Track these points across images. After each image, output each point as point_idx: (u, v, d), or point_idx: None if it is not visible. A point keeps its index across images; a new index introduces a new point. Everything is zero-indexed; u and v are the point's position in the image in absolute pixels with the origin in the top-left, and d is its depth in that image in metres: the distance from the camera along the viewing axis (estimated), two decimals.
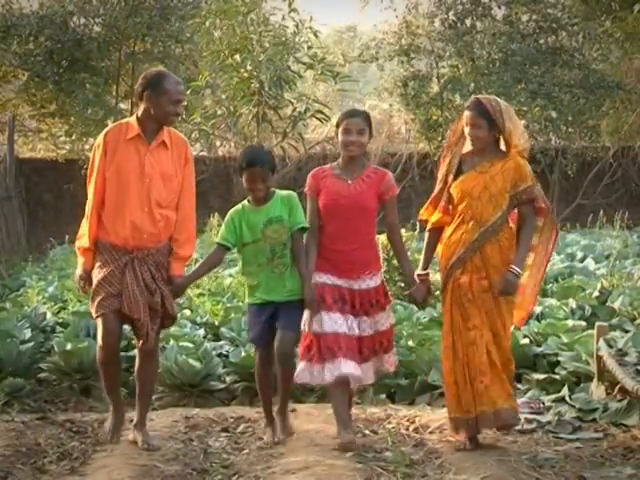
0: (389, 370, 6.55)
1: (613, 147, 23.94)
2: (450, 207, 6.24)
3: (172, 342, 8.58)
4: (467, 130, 6.14)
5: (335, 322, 6.10)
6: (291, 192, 6.36)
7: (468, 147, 6.23)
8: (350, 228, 6.19)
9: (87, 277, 6.17)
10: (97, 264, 6.15)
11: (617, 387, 7.01)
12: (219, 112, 16.48)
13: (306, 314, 6.19)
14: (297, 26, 16.07)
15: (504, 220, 6.13)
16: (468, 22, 23.27)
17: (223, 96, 16.40)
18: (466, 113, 6.16)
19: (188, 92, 17.03)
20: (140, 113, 6.13)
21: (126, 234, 6.06)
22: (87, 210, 6.17)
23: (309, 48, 16.17)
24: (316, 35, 16.53)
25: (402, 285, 10.04)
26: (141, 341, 6.18)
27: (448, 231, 6.23)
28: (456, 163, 6.23)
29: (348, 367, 6.04)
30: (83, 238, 6.17)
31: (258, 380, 6.40)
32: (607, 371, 7.11)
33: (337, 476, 5.56)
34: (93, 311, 6.14)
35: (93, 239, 6.14)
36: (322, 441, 6.29)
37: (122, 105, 22.64)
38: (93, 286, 6.13)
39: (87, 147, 22.02)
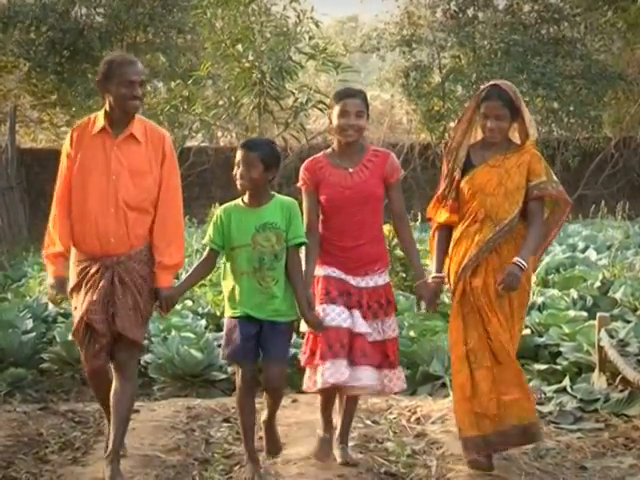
0: (392, 392, 5.79)
1: (615, 138, 23.91)
2: (457, 205, 5.65)
3: (174, 333, 8.60)
4: (489, 123, 5.50)
5: (339, 315, 5.45)
6: (292, 200, 5.54)
7: (475, 138, 5.68)
8: (356, 221, 5.54)
9: (60, 285, 5.47)
10: (72, 274, 5.50)
11: (618, 377, 7.02)
12: (220, 102, 16.47)
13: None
14: (298, 16, 16.06)
15: (519, 218, 5.55)
16: (470, 12, 23.26)
17: (224, 86, 16.40)
18: (488, 103, 5.50)
19: (190, 82, 17.00)
20: (106, 105, 5.50)
21: (92, 239, 5.37)
22: (53, 216, 5.50)
23: (310, 38, 16.16)
24: (317, 25, 16.51)
25: (404, 276, 10.02)
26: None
27: (457, 231, 5.64)
28: (464, 157, 5.64)
29: (349, 373, 5.43)
30: (52, 246, 5.49)
31: (240, 406, 5.49)
32: (608, 361, 7.11)
33: (338, 466, 5.58)
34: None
35: (66, 244, 5.45)
36: None
37: None
38: (71, 298, 5.50)
39: None
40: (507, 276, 5.37)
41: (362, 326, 5.50)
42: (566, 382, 7.30)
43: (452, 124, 22.93)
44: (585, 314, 8.97)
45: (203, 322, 9.27)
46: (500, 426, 5.42)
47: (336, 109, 5.54)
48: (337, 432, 5.72)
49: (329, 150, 5.69)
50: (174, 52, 21.57)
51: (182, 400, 7.46)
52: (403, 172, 5.75)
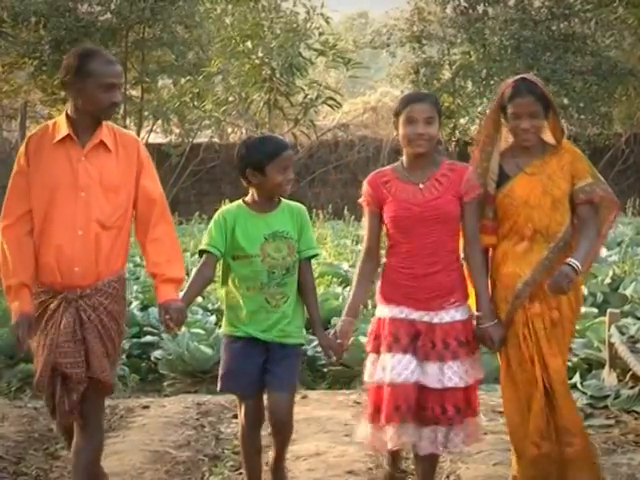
0: (466, 447, 4.99)
1: (625, 134, 23.89)
2: (496, 225, 4.86)
3: (184, 329, 8.60)
4: (523, 123, 4.72)
5: (406, 368, 4.60)
6: (301, 206, 4.91)
7: (503, 145, 4.91)
8: (428, 245, 4.68)
9: (27, 323, 4.39)
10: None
11: (629, 374, 7.00)
12: (230, 99, 16.51)
13: (368, 362, 4.77)
14: (308, 13, 16.09)
15: (571, 227, 4.83)
16: (480, 8, 23.23)
17: (234, 82, 16.43)
18: (518, 101, 4.72)
19: (200, 78, 17.07)
20: (69, 108, 4.53)
21: (51, 268, 4.40)
22: (2, 247, 4.47)
23: (320, 35, 16.18)
24: (327, 22, 16.53)
25: None
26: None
27: (498, 252, 4.85)
28: (496, 168, 4.84)
29: (418, 435, 4.67)
30: (11, 277, 4.43)
31: (243, 446, 4.85)
32: (619, 358, 7.09)
33: (348, 463, 5.57)
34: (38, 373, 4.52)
35: (29, 273, 4.44)
36: (333, 427, 6.29)
37: (133, 92, 22.66)
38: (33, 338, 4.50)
39: None
40: (558, 276, 4.60)
41: (436, 380, 4.62)
42: (576, 378, 7.28)
43: (462, 120, 22.94)
44: (595, 310, 8.97)
45: (213, 318, 9.27)
46: None
47: (402, 116, 4.71)
48: None
49: (397, 163, 4.88)
50: (181, 47, 21.56)
51: (192, 396, 7.47)
52: (481, 190, 4.79)
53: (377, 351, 4.70)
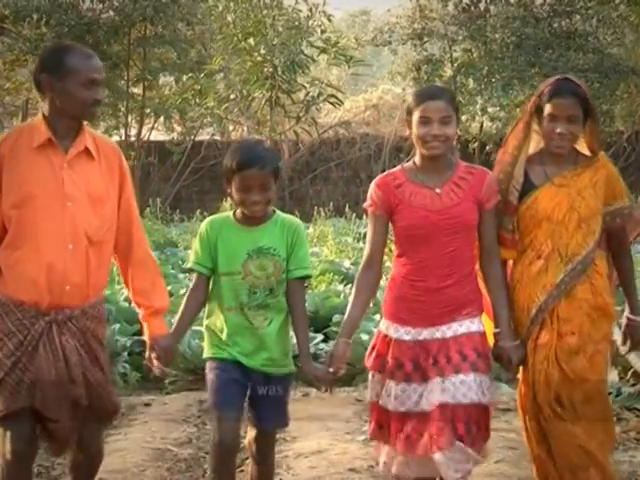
0: (477, 463, 4.30)
1: (627, 131, 23.90)
2: (517, 237, 4.37)
3: None
4: (558, 126, 4.22)
5: (409, 397, 4.19)
6: (297, 221, 4.39)
7: (530, 150, 4.42)
8: (445, 255, 4.21)
9: None
10: None
11: (630, 371, 7.01)
12: (232, 96, 16.51)
13: (372, 380, 4.35)
14: (310, 10, 16.07)
15: (595, 252, 4.33)
16: (482, 5, 23.19)
17: (236, 80, 16.42)
18: (558, 101, 4.22)
19: (201, 76, 17.06)
20: (46, 109, 4.10)
21: (40, 285, 3.98)
22: None
23: (322, 32, 16.17)
24: (329, 19, 16.52)
25: None
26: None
27: (516, 271, 4.38)
28: (521, 175, 4.33)
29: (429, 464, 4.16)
30: None
31: (214, 470, 4.28)
32: (620, 355, 7.09)
33: (350, 460, 5.58)
34: None
35: None
36: (334, 425, 6.31)
37: (134, 89, 22.66)
38: None
39: (98, 131, 22.11)
40: (635, 332, 4.44)
41: (450, 396, 4.11)
42: None
43: (463, 118, 22.94)
44: None
45: None
46: None
47: (415, 115, 4.23)
48: None
49: (409, 164, 4.38)
50: (183, 45, 21.57)
51: (194, 393, 7.47)
52: (499, 197, 4.34)
53: (380, 370, 4.29)
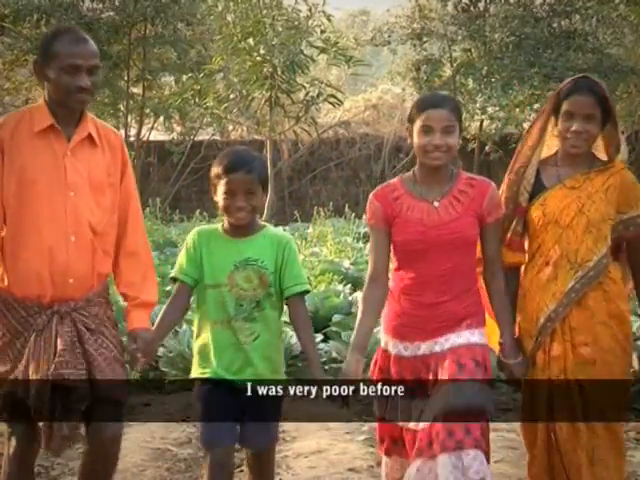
0: None
1: (627, 131, 23.86)
2: (525, 241, 4.27)
3: (185, 326, 8.60)
4: (575, 124, 4.07)
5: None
6: (289, 236, 4.30)
7: (545, 152, 4.30)
8: (443, 272, 4.09)
9: None
10: None
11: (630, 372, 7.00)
12: (232, 96, 16.51)
13: (375, 399, 4.28)
14: (310, 10, 16.08)
15: (609, 258, 4.16)
16: (481, 5, 23.19)
17: (236, 80, 16.42)
18: (576, 98, 4.07)
19: (201, 76, 17.06)
20: (45, 96, 3.99)
21: (43, 277, 3.87)
22: None
23: (322, 32, 16.18)
24: (329, 19, 16.53)
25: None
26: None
27: (526, 278, 4.25)
28: (532, 177, 4.22)
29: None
30: None
31: None
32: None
33: (349, 460, 5.58)
34: None
35: None
36: (334, 425, 6.30)
37: (134, 89, 22.67)
38: None
39: None
40: None
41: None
42: None
43: (463, 117, 22.98)
44: None
45: None
46: None
47: (417, 123, 4.13)
48: None
49: (408, 174, 4.27)
50: (183, 45, 21.58)
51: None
52: (503, 210, 4.22)
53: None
